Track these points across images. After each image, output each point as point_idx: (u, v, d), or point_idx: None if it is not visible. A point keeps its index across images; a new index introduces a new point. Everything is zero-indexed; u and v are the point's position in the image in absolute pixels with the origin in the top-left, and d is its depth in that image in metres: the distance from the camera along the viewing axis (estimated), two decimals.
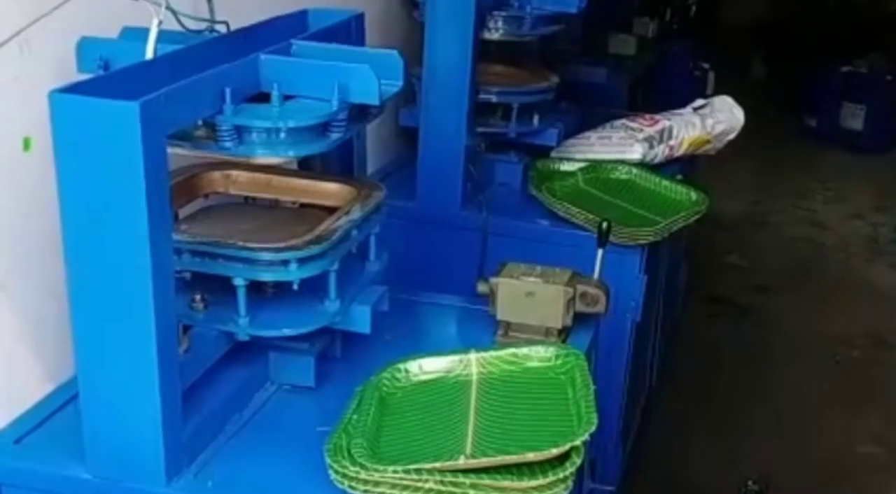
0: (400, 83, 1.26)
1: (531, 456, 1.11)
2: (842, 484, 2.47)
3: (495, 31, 2.10)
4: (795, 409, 2.73)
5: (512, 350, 1.36)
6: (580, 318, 1.50)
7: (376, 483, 1.09)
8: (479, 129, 2.12)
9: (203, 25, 1.32)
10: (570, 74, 2.41)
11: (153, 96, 1.01)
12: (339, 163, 1.48)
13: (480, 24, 2.03)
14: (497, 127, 2.18)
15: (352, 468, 1.10)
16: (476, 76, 2.02)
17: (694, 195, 2.14)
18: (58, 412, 1.25)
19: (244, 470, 1.17)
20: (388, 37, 2.16)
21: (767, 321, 3.22)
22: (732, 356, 3.03)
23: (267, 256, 1.21)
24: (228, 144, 1.15)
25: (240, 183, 1.44)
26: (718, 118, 2.40)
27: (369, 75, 1.19)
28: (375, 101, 1.21)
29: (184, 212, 1.38)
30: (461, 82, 1.99)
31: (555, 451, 1.11)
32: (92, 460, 1.13)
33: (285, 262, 1.22)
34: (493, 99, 2.14)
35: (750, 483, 2.32)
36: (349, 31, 1.44)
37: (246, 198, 1.45)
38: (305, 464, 1.19)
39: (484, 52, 2.07)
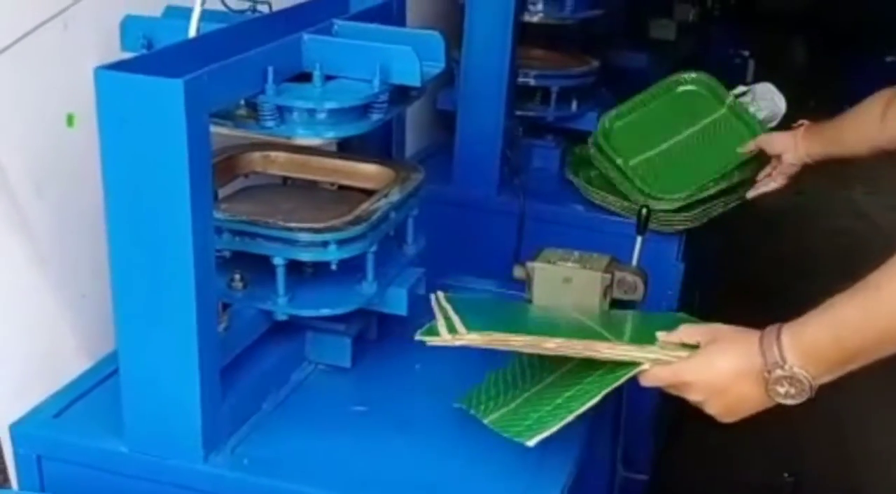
0: (442, 64, 1.26)
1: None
2: (879, 479, 2.44)
3: (536, 14, 2.08)
4: (834, 400, 2.69)
5: None
6: (617, 305, 1.49)
7: None
8: (517, 113, 2.11)
9: (246, 5, 1.32)
10: (610, 59, 2.39)
11: (197, 74, 1.01)
12: (378, 145, 1.48)
13: (521, 6, 2.01)
14: (535, 111, 2.17)
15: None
16: (515, 59, 2.01)
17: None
18: (97, 387, 1.26)
19: (280, 448, 1.17)
20: (427, 18, 2.15)
21: (806, 309, 3.18)
22: None
23: (306, 236, 1.22)
24: (270, 124, 1.15)
25: (279, 163, 1.44)
26: (760, 105, 2.36)
27: (411, 56, 1.19)
28: (417, 83, 1.21)
29: (223, 191, 1.39)
30: (500, 65, 1.97)
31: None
32: (130, 435, 1.15)
33: (325, 243, 1.22)
34: (532, 82, 2.13)
35: (786, 475, 2.30)
36: (390, 11, 1.43)
37: (284, 178, 1.46)
38: (341, 443, 1.20)
39: (524, 35, 2.05)
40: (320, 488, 1.12)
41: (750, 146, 1.97)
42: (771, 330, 1.06)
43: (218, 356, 1.14)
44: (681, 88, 2.17)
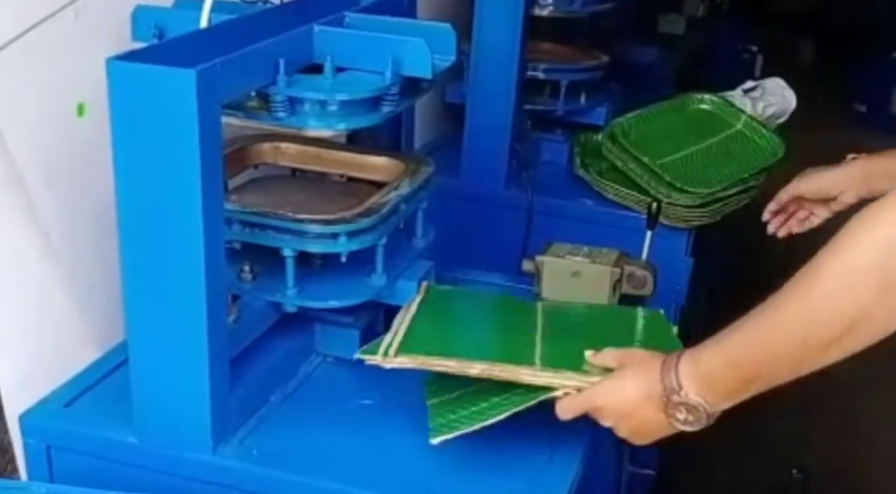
0: (453, 57, 1.25)
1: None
2: (889, 477, 2.43)
3: (546, 8, 2.08)
4: (844, 397, 2.69)
5: None
6: (626, 300, 1.49)
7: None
8: (526, 107, 2.10)
9: None
10: (619, 53, 2.38)
11: (209, 65, 1.01)
12: (387, 137, 1.48)
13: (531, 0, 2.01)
14: (544, 104, 2.16)
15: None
16: (525, 53, 2.00)
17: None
18: (106, 377, 1.26)
19: (289, 439, 1.17)
20: (437, 11, 2.14)
21: None
22: None
23: (316, 228, 1.21)
24: (281, 115, 1.15)
25: (289, 155, 1.44)
26: (770, 101, 2.36)
27: (423, 49, 1.19)
28: (428, 75, 1.20)
29: (233, 182, 1.39)
30: (510, 59, 1.97)
31: None
32: (140, 425, 1.15)
33: (335, 235, 1.22)
34: (541, 76, 2.12)
35: (794, 471, 2.30)
36: (401, 3, 1.43)
37: (294, 170, 1.46)
38: (349, 435, 1.20)
39: (533, 28, 2.05)
40: (328, 480, 1.12)
41: (797, 189, 1.63)
42: (672, 356, 1.07)
43: (227, 347, 1.14)
44: (692, 107, 2.18)
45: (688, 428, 1.05)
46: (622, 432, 1.11)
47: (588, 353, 1.15)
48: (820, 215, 1.62)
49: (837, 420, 2.62)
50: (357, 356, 1.16)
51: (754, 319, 1.01)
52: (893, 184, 1.38)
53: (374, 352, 1.15)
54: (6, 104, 1.15)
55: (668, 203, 1.90)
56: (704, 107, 2.19)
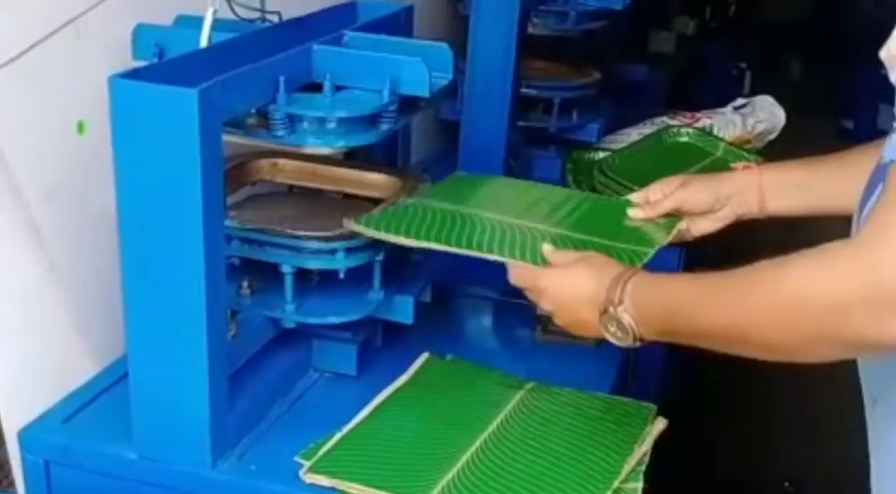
0: (450, 75, 1.27)
1: None
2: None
3: (539, 26, 2.10)
4: (837, 410, 2.70)
5: None
6: None
7: None
8: (520, 123, 2.12)
9: (255, 14, 1.34)
10: (611, 71, 2.40)
11: (210, 83, 1.02)
12: (384, 154, 1.49)
13: (525, 18, 2.03)
14: (537, 121, 2.18)
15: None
16: (519, 70, 2.02)
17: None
18: (105, 392, 1.27)
19: (287, 455, 1.17)
20: (431, 29, 2.16)
21: None
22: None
23: (315, 245, 1.23)
24: (281, 133, 1.16)
25: (286, 171, 1.45)
26: (759, 117, 2.38)
27: (421, 68, 1.20)
28: (426, 93, 1.22)
29: (231, 199, 1.40)
30: (504, 76, 1.98)
31: None
32: (139, 440, 1.15)
33: (333, 251, 1.23)
34: (534, 93, 2.14)
35: (786, 484, 2.31)
36: (398, 22, 1.45)
37: (291, 186, 1.47)
38: None
39: (527, 46, 2.07)
40: None
41: (677, 200, 1.36)
42: (628, 271, 1.08)
43: (227, 363, 1.15)
44: (670, 140, 2.20)
45: (615, 342, 1.07)
46: (559, 320, 1.14)
47: (546, 248, 1.18)
48: (698, 228, 1.38)
49: (828, 433, 2.64)
50: (297, 459, 1.16)
51: (708, 280, 0.99)
52: (787, 201, 1.31)
53: (309, 456, 1.16)
54: (7, 121, 1.16)
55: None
56: (682, 139, 2.20)
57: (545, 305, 1.15)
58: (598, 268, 1.11)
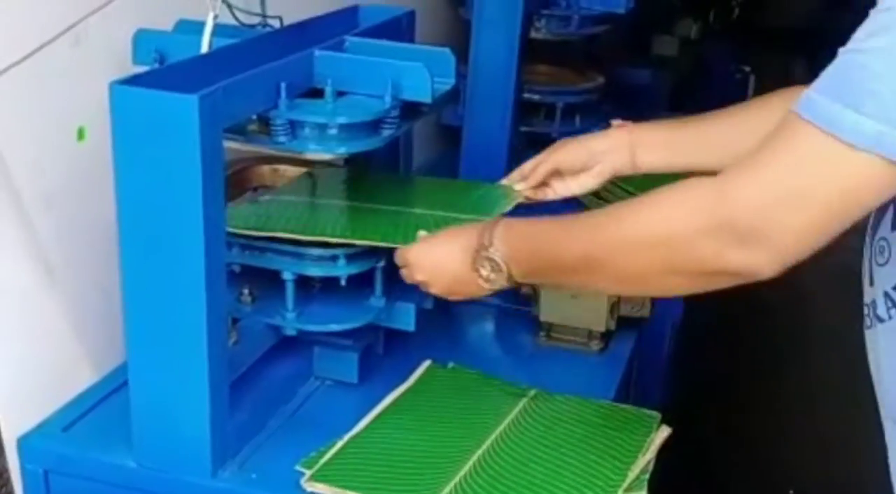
0: (452, 81, 1.26)
1: None
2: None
3: (542, 30, 2.09)
4: (839, 419, 2.70)
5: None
6: (623, 322, 1.49)
7: None
8: (522, 128, 2.11)
9: (256, 20, 1.33)
10: (613, 75, 2.40)
11: (211, 90, 1.01)
12: (386, 159, 1.48)
13: (528, 22, 2.02)
14: (540, 126, 2.17)
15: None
16: (522, 75, 2.01)
17: None
18: (105, 401, 1.26)
19: (288, 463, 1.17)
20: (433, 34, 2.16)
21: (806, 325, 3.19)
22: (770, 361, 3.00)
23: (316, 251, 1.22)
24: (282, 139, 1.16)
25: (287, 177, 1.45)
26: None
27: (423, 73, 1.19)
28: (428, 99, 1.21)
29: (231, 205, 1.39)
30: (507, 81, 1.98)
31: None
32: (139, 449, 1.14)
33: (334, 258, 1.22)
34: (537, 98, 2.14)
35: (791, 492, 2.30)
36: (400, 27, 1.44)
37: None
38: None
39: (529, 50, 2.06)
40: None
41: (554, 163, 1.37)
42: (495, 220, 1.15)
43: (227, 371, 1.14)
44: None
45: (488, 287, 1.11)
46: (434, 287, 1.17)
47: (421, 233, 1.22)
48: (578, 185, 1.37)
49: (831, 441, 2.63)
50: (299, 467, 1.16)
51: (571, 220, 1.06)
52: (655, 157, 1.34)
53: (310, 465, 1.16)
54: (7, 127, 1.15)
55: None
56: None
57: (419, 276, 1.18)
58: (461, 229, 1.18)
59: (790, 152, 0.86)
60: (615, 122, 1.39)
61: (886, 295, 0.99)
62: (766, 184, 0.87)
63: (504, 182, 1.40)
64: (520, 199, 1.37)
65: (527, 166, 1.38)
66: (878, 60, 0.82)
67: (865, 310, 1.04)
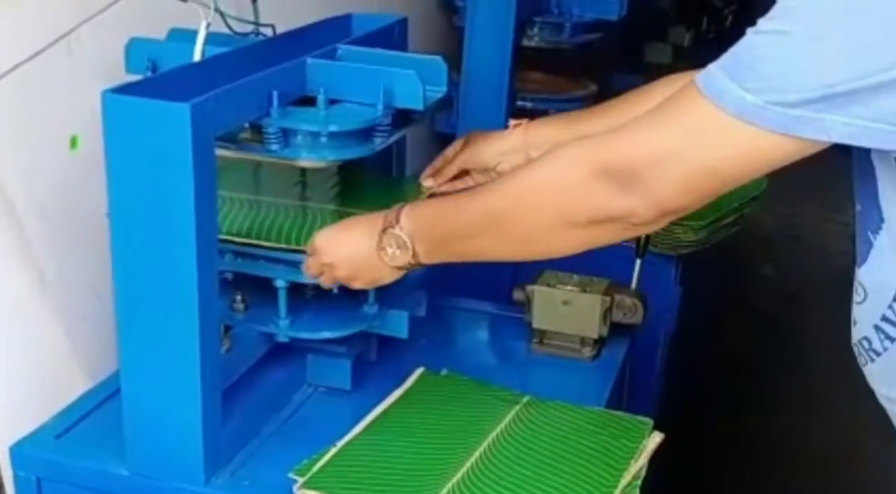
0: (444, 89, 1.26)
1: None
2: None
3: (535, 38, 2.10)
4: (825, 433, 2.70)
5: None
6: (616, 329, 1.49)
7: None
8: None
9: (249, 28, 1.33)
10: (606, 82, 2.41)
11: (203, 98, 1.02)
12: (379, 166, 1.49)
13: (520, 30, 2.03)
14: None
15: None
16: (514, 83, 2.02)
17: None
18: (98, 408, 1.26)
19: (281, 470, 1.17)
20: (426, 41, 2.16)
21: (799, 332, 3.20)
22: (764, 369, 3.00)
23: None
24: (274, 147, 1.16)
25: None
26: None
27: (415, 81, 1.20)
28: (420, 107, 1.21)
29: None
30: (499, 89, 1.98)
31: None
32: (131, 457, 1.14)
33: None
34: (530, 106, 2.14)
35: None
36: (392, 35, 1.44)
37: None
38: None
39: (522, 59, 2.07)
40: None
41: (462, 163, 1.42)
42: (399, 204, 1.16)
43: (220, 378, 1.14)
44: None
45: (394, 265, 1.14)
46: (341, 271, 1.18)
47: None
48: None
49: (816, 455, 2.63)
50: (291, 475, 1.16)
51: (468, 192, 1.14)
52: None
53: (303, 472, 1.16)
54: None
55: (660, 231, 1.92)
56: None
57: (325, 258, 1.18)
58: (368, 215, 1.19)
59: (679, 115, 0.93)
60: (512, 122, 1.45)
61: (877, 328, 1.01)
62: (649, 141, 0.94)
63: (420, 179, 1.45)
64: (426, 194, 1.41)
65: (437, 162, 1.44)
66: (768, 42, 0.87)
67: (856, 350, 1.06)
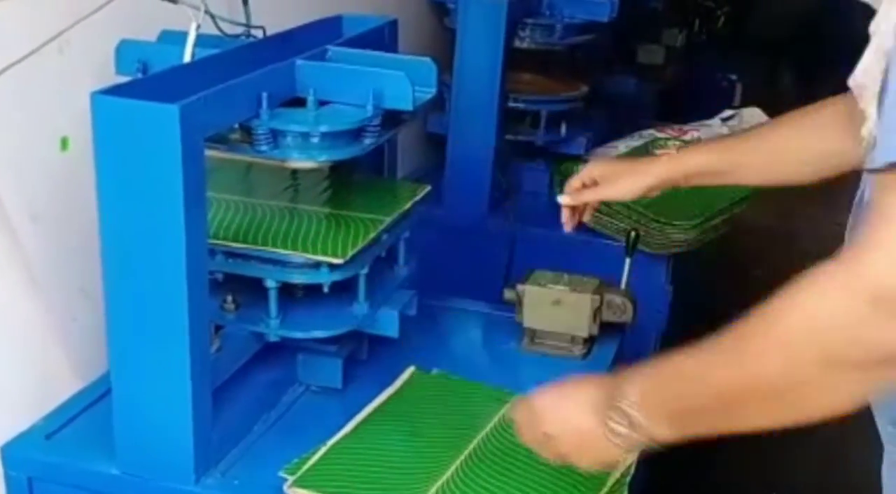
0: (433, 90, 1.27)
1: None
2: None
3: (526, 40, 2.11)
4: (822, 426, 2.70)
5: None
6: (606, 328, 1.50)
7: None
8: (507, 137, 2.13)
9: (240, 30, 1.34)
10: (598, 83, 2.41)
11: (192, 99, 1.02)
12: (370, 167, 1.49)
13: (512, 32, 2.04)
14: (525, 135, 2.19)
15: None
16: (506, 84, 2.03)
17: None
18: (88, 408, 1.26)
19: (272, 469, 1.17)
20: (418, 43, 2.17)
21: None
22: None
23: (299, 259, 1.23)
24: (264, 148, 1.17)
25: None
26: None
27: (404, 82, 1.20)
28: (409, 107, 1.22)
29: None
30: (491, 90, 1.99)
31: None
32: (122, 457, 1.15)
33: (317, 265, 1.23)
34: (522, 106, 2.15)
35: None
36: (382, 37, 1.45)
37: None
38: None
39: (514, 60, 2.08)
40: None
41: (597, 195, 1.46)
42: (622, 373, 1.01)
43: (210, 378, 1.15)
44: (658, 153, 2.20)
45: (620, 444, 0.98)
46: (566, 447, 1.04)
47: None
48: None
49: (815, 446, 2.63)
50: (282, 473, 1.16)
51: (705, 351, 0.93)
52: (703, 181, 1.39)
53: (293, 471, 1.16)
54: None
55: (651, 230, 1.93)
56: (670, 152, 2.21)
57: (547, 428, 1.05)
58: (589, 377, 1.06)
59: None
60: (661, 153, 1.52)
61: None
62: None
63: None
64: (417, 198, 1.41)
65: (576, 182, 1.45)
66: None
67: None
